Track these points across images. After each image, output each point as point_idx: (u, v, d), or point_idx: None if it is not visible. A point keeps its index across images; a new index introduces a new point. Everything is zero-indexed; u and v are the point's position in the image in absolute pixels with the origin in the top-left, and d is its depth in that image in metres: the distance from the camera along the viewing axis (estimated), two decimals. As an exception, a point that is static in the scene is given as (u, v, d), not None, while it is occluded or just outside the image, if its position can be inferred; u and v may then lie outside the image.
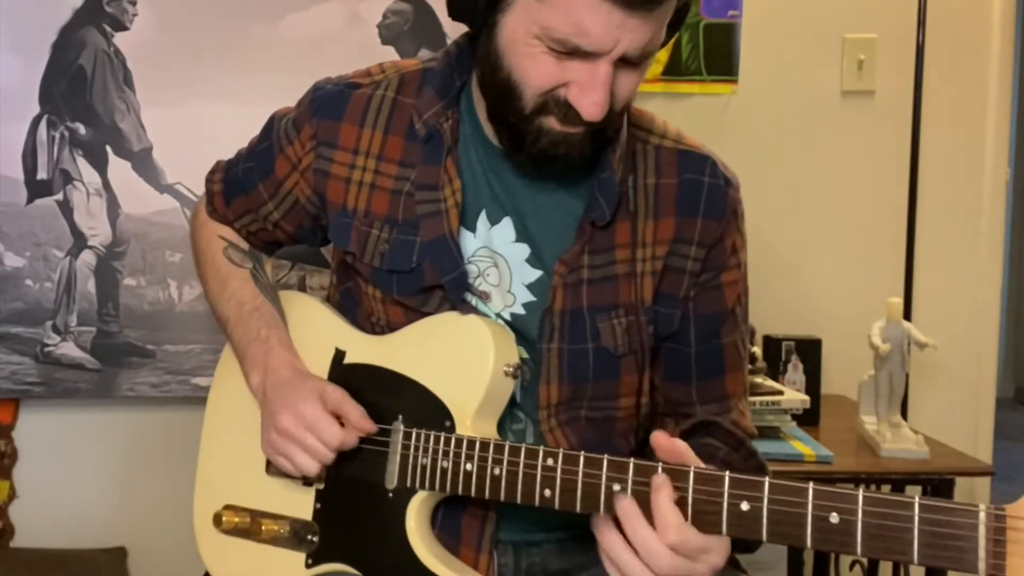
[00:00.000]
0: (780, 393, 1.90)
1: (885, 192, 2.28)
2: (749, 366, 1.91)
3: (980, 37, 2.28)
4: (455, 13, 1.13)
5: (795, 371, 2.08)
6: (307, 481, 1.24)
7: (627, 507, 0.99)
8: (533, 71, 1.08)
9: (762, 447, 1.78)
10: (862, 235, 2.29)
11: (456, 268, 1.20)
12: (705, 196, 1.22)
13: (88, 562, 2.01)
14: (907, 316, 2.19)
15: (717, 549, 0.98)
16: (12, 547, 2.04)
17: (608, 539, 0.99)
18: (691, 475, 0.98)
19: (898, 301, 1.92)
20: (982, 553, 0.85)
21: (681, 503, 0.97)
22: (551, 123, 1.10)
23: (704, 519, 0.97)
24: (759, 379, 1.94)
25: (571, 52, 1.06)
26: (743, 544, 1.05)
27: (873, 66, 2.25)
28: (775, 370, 2.08)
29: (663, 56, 2.18)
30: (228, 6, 2.00)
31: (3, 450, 2.04)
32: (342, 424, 1.18)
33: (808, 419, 1.95)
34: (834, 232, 2.28)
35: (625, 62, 1.08)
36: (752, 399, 1.87)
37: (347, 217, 1.25)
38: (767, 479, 0.94)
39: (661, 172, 1.23)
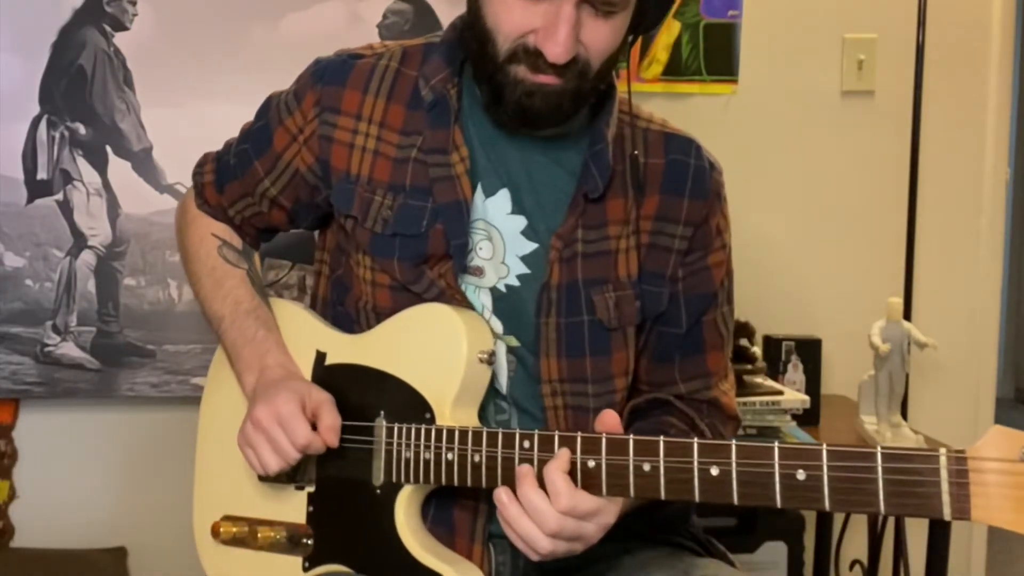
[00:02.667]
0: (780, 393, 1.90)
1: (885, 192, 2.28)
2: (748, 366, 1.93)
3: (980, 37, 2.28)
4: None
5: (795, 371, 2.08)
6: (298, 485, 1.25)
7: (521, 470, 1.05)
8: (504, 16, 1.13)
9: (762, 447, 1.80)
10: (862, 235, 2.29)
11: (464, 234, 1.21)
12: (691, 177, 1.26)
13: (88, 562, 2.01)
14: (907, 316, 2.19)
15: (607, 510, 1.05)
16: (12, 547, 2.04)
17: (508, 509, 1.05)
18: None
19: (898, 301, 1.92)
20: (946, 498, 0.86)
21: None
22: (523, 72, 1.14)
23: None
24: (759, 379, 1.94)
25: None
26: (744, 541, 1.05)
27: (873, 66, 2.25)
28: (775, 370, 2.07)
29: (663, 56, 2.18)
30: (228, 6, 2.00)
31: (3, 450, 2.04)
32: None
33: (808, 419, 1.95)
34: (834, 232, 2.28)
35: (593, 9, 1.12)
36: (752, 399, 1.87)
37: (350, 183, 1.26)
38: (734, 442, 0.96)
39: (649, 152, 1.26)
